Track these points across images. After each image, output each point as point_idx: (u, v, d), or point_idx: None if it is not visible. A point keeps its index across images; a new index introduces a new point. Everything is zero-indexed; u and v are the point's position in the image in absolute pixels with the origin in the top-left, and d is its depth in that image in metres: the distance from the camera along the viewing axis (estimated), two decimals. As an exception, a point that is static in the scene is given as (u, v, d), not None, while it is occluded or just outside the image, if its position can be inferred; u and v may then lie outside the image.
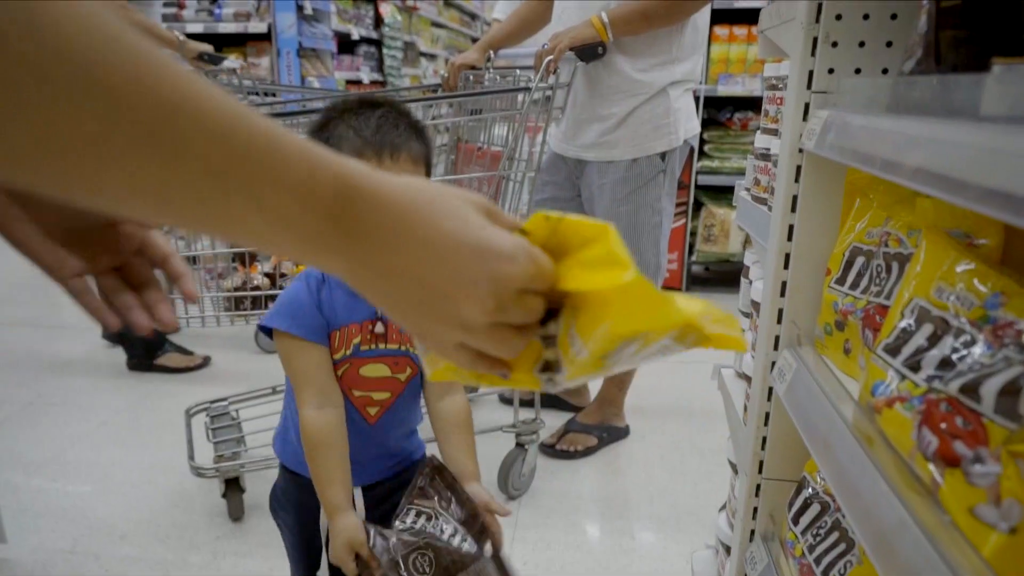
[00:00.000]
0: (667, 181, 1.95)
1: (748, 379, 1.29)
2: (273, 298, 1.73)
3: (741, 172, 3.74)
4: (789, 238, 0.90)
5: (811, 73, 0.84)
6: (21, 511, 1.82)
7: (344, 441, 0.99)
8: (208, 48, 2.48)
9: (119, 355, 2.84)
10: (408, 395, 1.06)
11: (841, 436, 0.66)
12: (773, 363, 0.95)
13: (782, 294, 0.93)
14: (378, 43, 5.74)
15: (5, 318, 3.36)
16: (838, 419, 0.69)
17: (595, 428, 2.22)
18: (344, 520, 0.94)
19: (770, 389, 0.97)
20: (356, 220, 0.37)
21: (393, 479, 1.10)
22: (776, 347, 0.95)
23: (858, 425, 0.65)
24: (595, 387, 2.34)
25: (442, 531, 0.94)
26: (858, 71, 0.83)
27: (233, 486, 1.79)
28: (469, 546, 0.94)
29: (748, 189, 1.18)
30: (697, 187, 3.72)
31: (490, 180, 1.87)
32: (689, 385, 2.71)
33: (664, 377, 2.74)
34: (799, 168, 0.88)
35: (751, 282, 1.12)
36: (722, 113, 3.74)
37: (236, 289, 1.70)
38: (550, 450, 2.16)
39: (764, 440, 0.99)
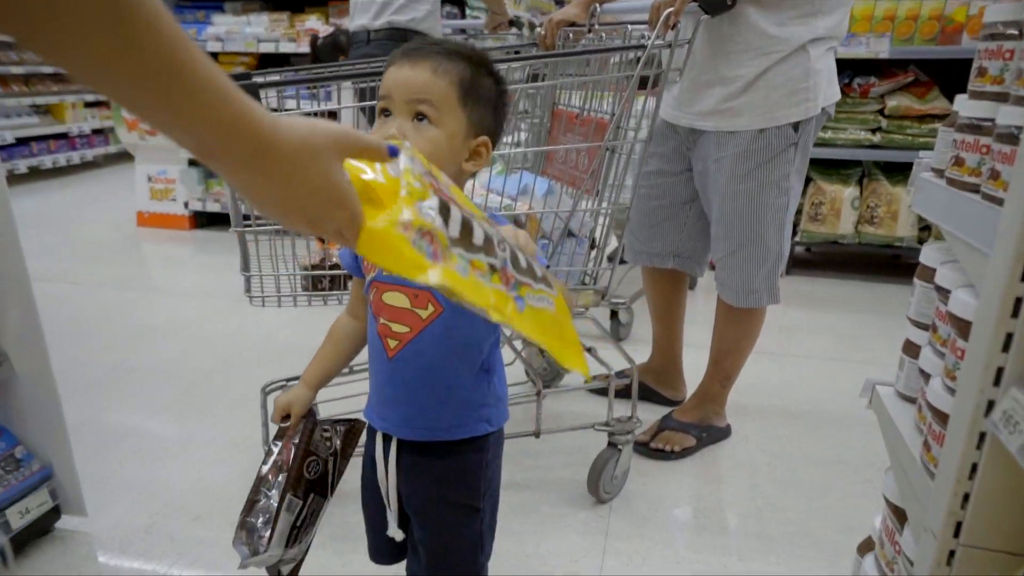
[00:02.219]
0: (798, 156, 1.69)
1: (911, 401, 1.07)
2: (351, 276, 1.61)
3: (858, 144, 3.37)
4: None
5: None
6: (102, 483, 1.80)
7: (347, 344, 1.11)
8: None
9: (202, 320, 2.83)
10: (433, 340, 0.96)
11: None
12: (990, 403, 0.73)
13: (1015, 314, 0.70)
14: (461, 2, 5.54)
15: (94, 278, 3.42)
16: None
17: (693, 427, 2.01)
18: (299, 388, 1.10)
19: (981, 435, 0.75)
20: (260, 159, 0.53)
21: (431, 448, 1.01)
22: (997, 382, 0.73)
23: None
24: (694, 382, 2.13)
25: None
26: None
27: (308, 472, 1.70)
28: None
29: (942, 170, 0.94)
30: (807, 160, 3.38)
31: (591, 152, 1.67)
32: (796, 382, 2.46)
33: (767, 373, 2.49)
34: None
35: (945, 291, 0.89)
36: (840, 77, 3.35)
37: (314, 267, 1.57)
38: (643, 448, 1.98)
39: (966, 497, 0.77)
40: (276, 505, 1.04)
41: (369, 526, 1.14)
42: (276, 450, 1.09)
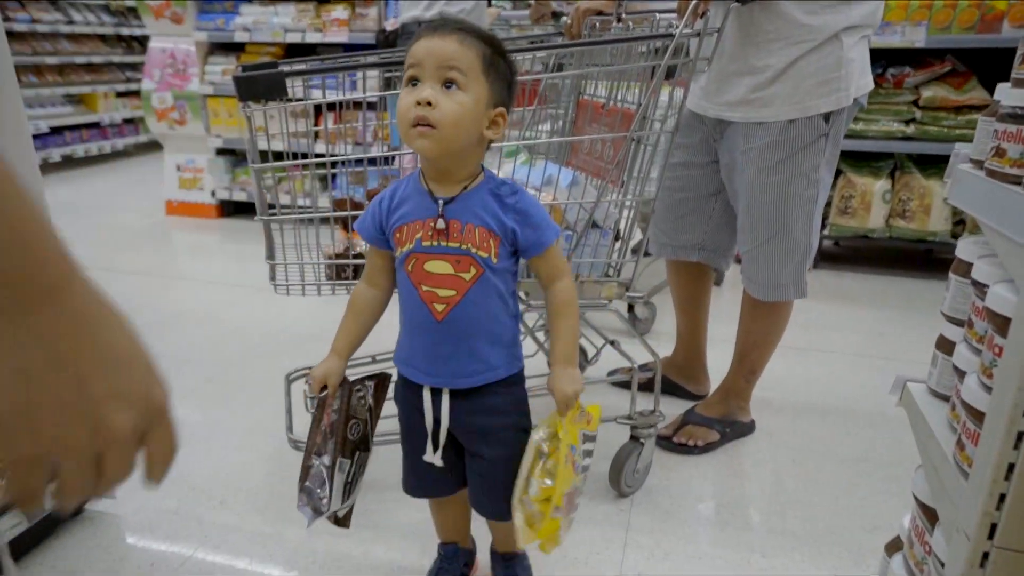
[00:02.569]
0: (828, 147, 1.65)
1: (944, 399, 1.04)
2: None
3: (890, 136, 3.29)
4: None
5: None
6: (129, 466, 1.83)
7: (369, 313, 1.19)
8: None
9: (228, 308, 2.86)
10: (478, 297, 1.09)
11: None
12: (1029, 402, 0.71)
13: (1057, 311, 0.68)
14: (486, -7, 5.50)
15: (124, 266, 3.48)
16: None
17: (717, 421, 1.99)
18: (331, 360, 1.17)
19: (1019, 434, 0.73)
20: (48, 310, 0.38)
21: (482, 390, 1.14)
22: (1037, 381, 0.70)
23: None
24: (718, 376, 2.11)
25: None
26: None
27: (331, 460, 1.71)
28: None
29: (981, 161, 0.91)
30: (837, 153, 3.31)
31: (616, 142, 1.65)
32: (823, 377, 2.42)
33: (793, 368, 2.46)
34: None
35: (982, 286, 0.86)
36: (874, 67, 3.28)
37: (338, 256, 1.58)
38: (666, 442, 1.96)
39: (1002, 498, 0.75)
40: (329, 468, 1.16)
41: (410, 462, 1.26)
42: (320, 419, 1.18)
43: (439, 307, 1.09)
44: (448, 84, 1.00)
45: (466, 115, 1.00)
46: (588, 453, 1.17)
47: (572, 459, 1.11)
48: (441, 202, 1.07)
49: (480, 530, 1.41)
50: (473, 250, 1.07)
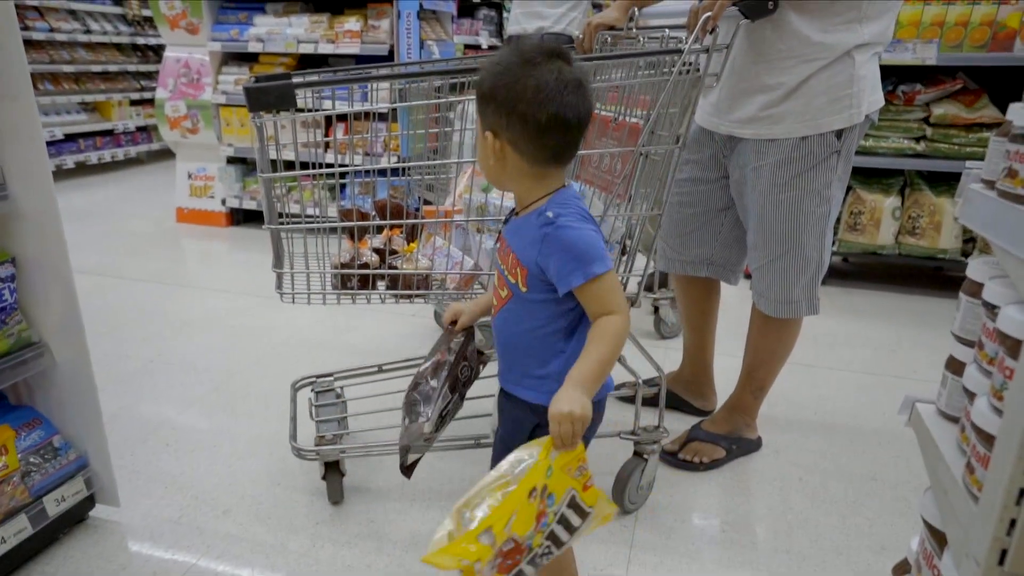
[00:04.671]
0: (840, 164, 1.64)
1: (954, 420, 1.02)
2: (382, 277, 1.61)
3: (900, 153, 3.28)
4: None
5: None
6: (135, 474, 1.83)
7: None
8: None
9: (235, 316, 2.87)
10: (511, 315, 1.13)
11: None
12: (1041, 426, 0.70)
13: (1069, 335, 0.67)
14: (498, 6, 5.55)
15: (134, 272, 3.50)
16: None
17: (723, 438, 1.98)
18: (471, 304, 1.30)
19: (1031, 459, 0.72)
20: None
21: (513, 403, 1.17)
22: (1049, 405, 0.69)
23: None
24: (724, 391, 2.10)
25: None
26: None
27: (332, 469, 1.71)
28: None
29: (992, 181, 0.90)
30: (847, 169, 3.30)
31: (625, 156, 1.65)
32: (831, 395, 2.40)
33: (801, 385, 2.44)
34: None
35: (993, 307, 0.85)
36: (884, 84, 3.27)
37: (344, 265, 1.58)
38: (671, 458, 1.95)
39: (1013, 523, 0.74)
40: (437, 391, 1.26)
41: None
42: (439, 350, 1.29)
43: (495, 302, 1.18)
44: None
45: (481, 153, 1.08)
46: (566, 525, 0.98)
47: (542, 507, 0.94)
48: (504, 221, 1.16)
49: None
50: (506, 273, 1.12)
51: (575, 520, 1.00)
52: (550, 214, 1.04)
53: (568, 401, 0.97)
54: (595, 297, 1.04)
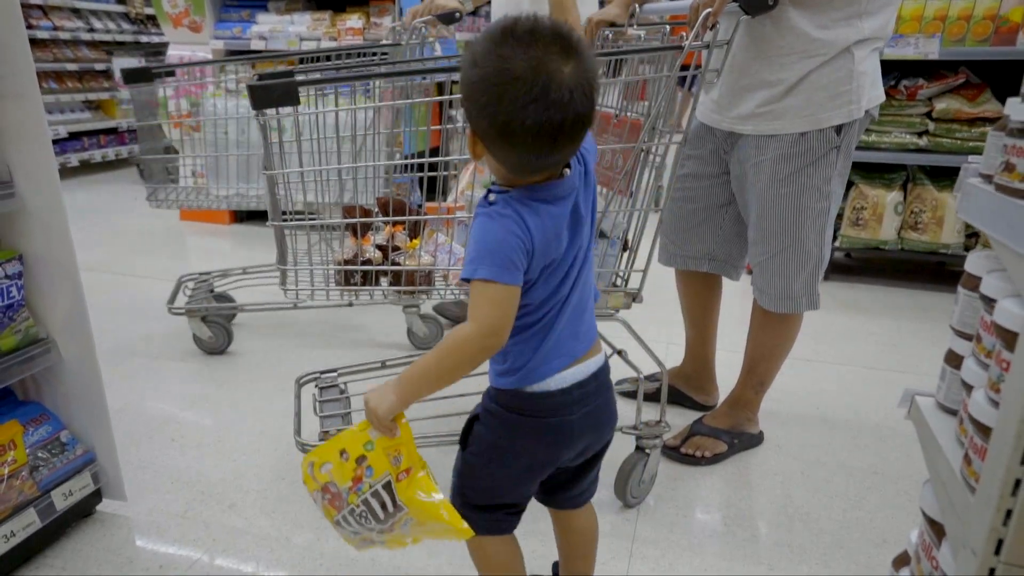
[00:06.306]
0: (840, 160, 1.65)
1: (952, 413, 1.03)
2: (385, 273, 1.62)
3: (903, 148, 3.28)
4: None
5: None
6: (141, 468, 1.85)
7: None
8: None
9: (243, 313, 2.88)
10: None
11: None
12: (1037, 417, 0.70)
13: (1064, 327, 0.67)
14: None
15: (139, 269, 3.52)
16: None
17: (725, 433, 1.98)
18: None
19: (1027, 450, 0.72)
20: None
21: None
22: (1045, 397, 0.70)
23: None
24: (726, 386, 2.10)
25: None
26: None
27: (339, 465, 1.72)
28: None
29: (990, 175, 0.91)
30: (849, 164, 3.30)
31: (626, 153, 1.66)
32: (832, 389, 2.41)
33: (802, 379, 2.44)
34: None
35: (991, 300, 0.86)
36: (887, 79, 3.27)
37: (347, 262, 1.59)
38: (673, 453, 1.96)
39: (1009, 514, 0.75)
40: None
41: None
42: None
43: None
44: None
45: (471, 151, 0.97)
46: (381, 504, 1.01)
47: (359, 473, 1.01)
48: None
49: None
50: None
51: (389, 505, 1.02)
52: (491, 197, 0.97)
53: (376, 393, 1.00)
54: (470, 299, 0.96)
